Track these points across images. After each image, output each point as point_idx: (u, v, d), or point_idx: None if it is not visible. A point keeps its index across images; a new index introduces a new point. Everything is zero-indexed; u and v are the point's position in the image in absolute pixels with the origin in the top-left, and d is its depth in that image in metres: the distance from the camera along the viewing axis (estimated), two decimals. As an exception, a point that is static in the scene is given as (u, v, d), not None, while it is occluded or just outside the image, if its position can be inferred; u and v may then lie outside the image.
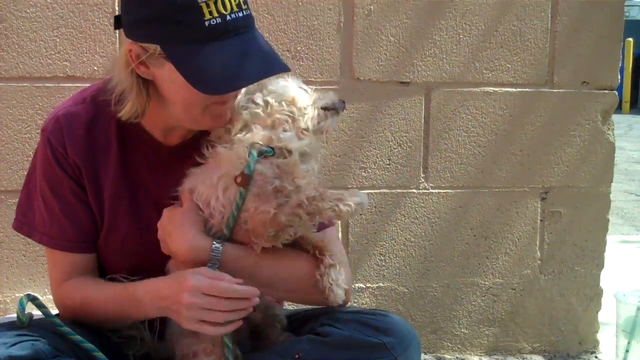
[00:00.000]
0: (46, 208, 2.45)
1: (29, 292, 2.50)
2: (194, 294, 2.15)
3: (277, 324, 2.49)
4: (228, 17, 2.14)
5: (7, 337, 2.16)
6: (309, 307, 2.52)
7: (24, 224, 2.54)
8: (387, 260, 3.57)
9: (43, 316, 2.32)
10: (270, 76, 2.26)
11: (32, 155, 3.03)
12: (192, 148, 2.40)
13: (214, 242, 2.24)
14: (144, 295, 2.29)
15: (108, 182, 2.46)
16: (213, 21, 2.11)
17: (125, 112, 2.34)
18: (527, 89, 3.56)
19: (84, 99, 2.48)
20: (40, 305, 2.32)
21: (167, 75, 2.22)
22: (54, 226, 2.44)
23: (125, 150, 2.48)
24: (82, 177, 2.43)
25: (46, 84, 3.21)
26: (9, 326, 2.29)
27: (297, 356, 2.28)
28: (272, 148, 2.19)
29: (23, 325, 2.26)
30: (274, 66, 2.24)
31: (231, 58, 2.16)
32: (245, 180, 2.15)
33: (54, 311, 2.44)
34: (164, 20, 2.13)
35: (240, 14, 2.19)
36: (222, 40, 2.15)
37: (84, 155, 2.42)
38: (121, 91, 2.32)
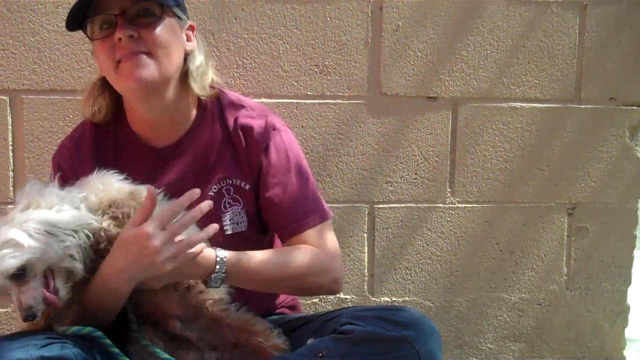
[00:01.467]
0: None
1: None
2: (156, 235, 2.25)
3: (267, 333, 2.54)
4: None
5: (38, 339, 2.22)
6: (326, 310, 2.54)
7: None
8: (413, 274, 3.57)
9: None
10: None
11: (62, 167, 3.10)
12: (182, 147, 2.64)
13: (217, 251, 2.41)
14: (110, 281, 2.34)
15: None
16: None
17: (81, 111, 2.74)
18: (554, 105, 3.56)
19: (84, 126, 2.75)
20: (58, 328, 2.37)
21: (94, 52, 2.61)
22: None
23: (121, 161, 2.65)
24: None
25: (77, 97, 3.20)
26: (43, 332, 2.34)
27: (320, 355, 2.33)
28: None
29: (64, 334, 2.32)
30: None
31: None
32: None
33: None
34: None
35: None
36: None
37: (91, 169, 2.54)
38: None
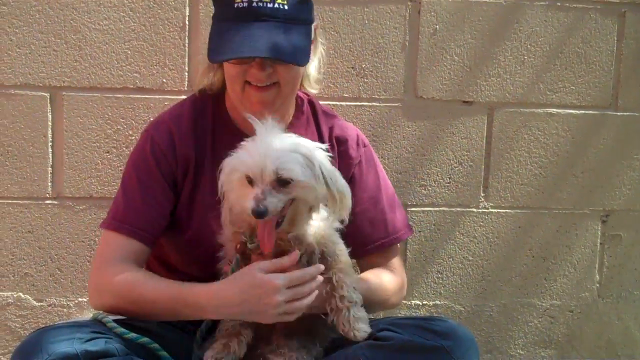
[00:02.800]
0: (125, 196, 2.62)
1: (97, 312, 2.54)
2: (283, 292, 2.28)
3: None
4: (254, 4, 2.43)
5: (83, 332, 2.27)
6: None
7: (104, 221, 2.67)
8: (445, 278, 3.57)
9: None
10: (253, 57, 2.47)
11: (100, 163, 3.17)
12: None
13: None
14: (203, 300, 2.38)
15: (205, 174, 2.65)
16: (240, 5, 2.44)
17: (197, 81, 2.80)
18: (590, 112, 3.55)
19: (183, 103, 2.79)
20: (108, 322, 2.41)
21: None
22: (126, 211, 2.59)
23: (218, 142, 2.69)
24: (185, 171, 2.65)
25: (116, 95, 3.28)
26: (83, 324, 2.40)
27: None
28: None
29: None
30: (278, 53, 2.45)
31: (242, 35, 2.45)
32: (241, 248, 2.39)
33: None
34: (215, 1, 2.58)
35: (270, 5, 2.45)
36: (247, 23, 2.44)
37: (191, 148, 2.66)
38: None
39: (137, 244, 2.58)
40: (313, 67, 2.77)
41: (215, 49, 2.49)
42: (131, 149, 2.88)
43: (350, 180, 2.73)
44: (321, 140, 2.75)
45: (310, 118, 2.83)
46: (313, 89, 2.84)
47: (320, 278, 2.35)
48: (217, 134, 2.70)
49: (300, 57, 2.54)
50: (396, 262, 2.85)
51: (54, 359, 2.15)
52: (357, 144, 2.83)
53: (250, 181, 2.24)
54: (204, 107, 2.74)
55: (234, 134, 2.66)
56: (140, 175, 2.62)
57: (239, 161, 2.27)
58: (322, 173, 2.29)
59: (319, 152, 2.34)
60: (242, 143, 2.31)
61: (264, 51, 2.43)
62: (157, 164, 2.61)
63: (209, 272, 2.56)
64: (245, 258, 2.39)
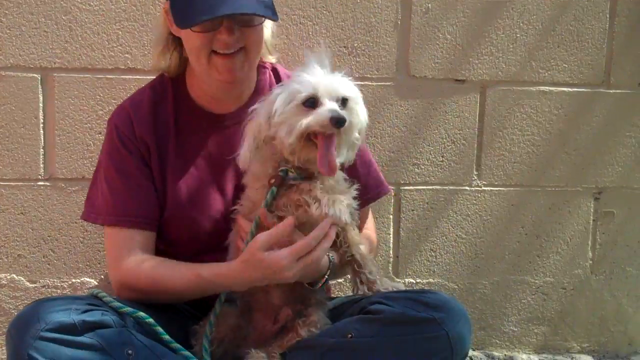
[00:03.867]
0: (110, 190, 2.62)
1: (93, 288, 2.58)
2: (291, 267, 2.34)
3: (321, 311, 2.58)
4: None
5: (79, 304, 2.31)
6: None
7: (90, 212, 2.71)
8: (438, 256, 3.58)
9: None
10: (227, 14, 2.41)
11: (92, 144, 3.16)
12: (241, 116, 2.59)
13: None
14: (232, 284, 2.45)
15: (170, 156, 2.65)
16: None
17: (152, 63, 2.73)
18: (583, 89, 3.55)
19: (144, 90, 2.75)
20: (104, 297, 2.42)
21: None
22: (117, 205, 2.60)
23: (181, 124, 2.69)
24: (149, 156, 2.63)
25: (107, 76, 3.27)
26: (80, 297, 2.49)
27: (349, 336, 2.36)
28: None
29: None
30: (253, 8, 2.43)
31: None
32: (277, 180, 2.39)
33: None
34: None
35: None
36: None
37: (151, 133, 2.64)
38: (155, 45, 2.70)
39: (141, 233, 2.61)
40: (268, 32, 2.75)
41: (188, 14, 2.44)
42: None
43: None
44: None
45: (273, 84, 2.78)
46: (272, 56, 2.85)
47: (331, 234, 2.40)
48: (180, 117, 2.70)
49: (274, 12, 2.55)
50: (371, 216, 2.99)
51: (51, 327, 2.18)
52: None
53: (314, 103, 2.26)
54: (164, 91, 2.73)
55: (198, 115, 2.69)
56: (117, 165, 2.63)
57: (299, 87, 2.29)
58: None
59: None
60: (296, 76, 2.36)
61: (249, 7, 2.43)
62: (128, 151, 2.63)
63: (194, 248, 2.65)
64: (284, 188, 2.42)
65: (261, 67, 2.78)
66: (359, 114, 2.42)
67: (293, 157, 2.36)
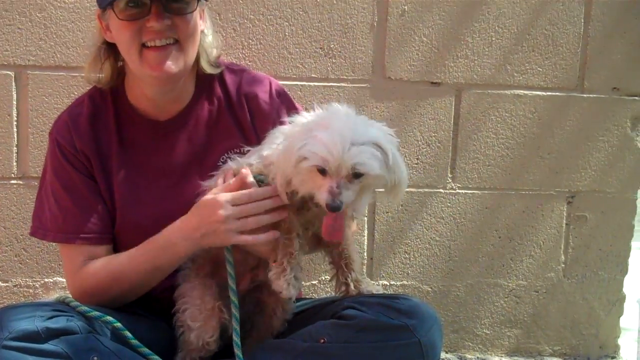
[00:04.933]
0: (59, 206, 2.59)
1: (59, 295, 2.55)
2: (225, 207, 2.32)
3: (283, 309, 2.61)
4: None
5: (44, 310, 2.27)
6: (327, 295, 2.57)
7: (39, 228, 2.66)
8: (412, 259, 3.59)
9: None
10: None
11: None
12: (183, 120, 2.65)
13: None
14: (173, 236, 2.43)
15: (114, 169, 2.62)
16: None
17: (85, 74, 2.66)
18: (557, 93, 3.57)
19: (82, 100, 2.70)
20: (71, 301, 2.41)
21: (112, 25, 2.48)
22: (67, 222, 2.58)
23: (124, 135, 2.65)
24: (92, 169, 2.60)
25: (82, 74, 3.21)
26: (45, 303, 2.42)
27: (322, 341, 2.34)
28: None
29: None
30: None
31: None
32: None
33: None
34: None
35: None
36: None
37: (91, 147, 2.60)
38: (88, 56, 2.64)
39: (94, 248, 2.60)
40: (208, 40, 2.68)
41: None
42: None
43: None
44: (228, 100, 2.73)
45: (213, 81, 2.74)
46: (213, 68, 2.71)
47: (267, 202, 2.36)
48: (123, 128, 2.65)
49: None
50: None
51: (14, 336, 2.15)
52: (270, 96, 2.75)
53: (323, 171, 2.19)
54: (103, 103, 2.66)
55: (140, 124, 2.65)
56: (63, 181, 2.59)
57: (312, 152, 2.18)
58: (394, 162, 2.27)
59: (390, 139, 2.29)
60: (313, 133, 2.19)
61: None
62: (72, 165, 2.59)
63: None
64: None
65: (202, 73, 2.71)
66: (379, 177, 2.25)
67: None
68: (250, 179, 2.36)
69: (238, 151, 2.64)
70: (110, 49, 2.59)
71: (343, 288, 2.51)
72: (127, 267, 2.50)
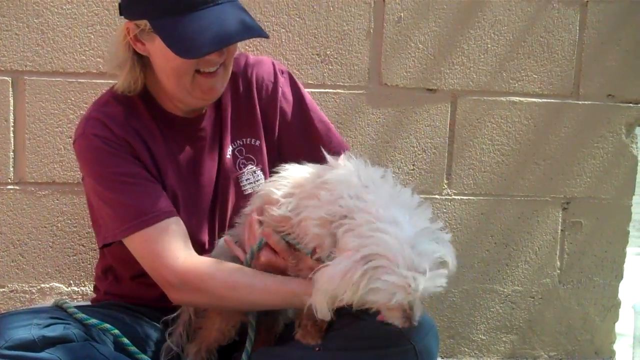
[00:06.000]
0: (118, 196, 2.47)
1: (58, 298, 2.55)
2: None
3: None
4: None
5: (41, 318, 2.25)
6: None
7: (108, 232, 2.53)
8: (408, 265, 3.59)
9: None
10: (239, 41, 2.45)
11: (62, 148, 3.14)
12: (207, 115, 2.67)
13: None
14: (306, 292, 2.30)
15: (163, 164, 2.59)
16: None
17: (119, 84, 2.57)
18: (552, 100, 3.58)
19: (106, 101, 2.63)
20: (68, 307, 2.41)
21: (158, 48, 2.41)
22: (138, 206, 2.45)
23: (165, 132, 2.62)
24: (137, 154, 2.52)
25: (79, 80, 3.25)
26: (42, 310, 2.39)
27: (316, 349, 2.33)
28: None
29: None
30: (249, 31, 2.40)
31: (208, 24, 2.33)
32: None
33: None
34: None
35: None
36: (200, 10, 2.34)
37: (133, 135, 2.53)
38: (117, 65, 2.55)
39: (173, 221, 2.47)
40: None
41: (188, 43, 2.33)
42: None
43: (298, 116, 2.77)
44: (236, 89, 2.74)
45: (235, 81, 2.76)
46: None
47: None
48: (162, 126, 2.61)
49: (262, 28, 2.51)
50: None
51: (10, 345, 2.14)
52: (275, 78, 2.78)
53: None
54: (135, 107, 2.59)
55: (179, 125, 2.63)
56: (116, 169, 2.48)
57: (386, 291, 1.99)
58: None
59: (449, 245, 2.16)
60: (369, 262, 2.01)
61: (251, 30, 2.41)
62: (120, 151, 2.48)
63: None
64: None
65: None
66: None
67: None
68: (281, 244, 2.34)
69: (242, 143, 2.71)
70: (139, 59, 2.55)
71: None
72: (255, 293, 2.38)
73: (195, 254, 2.44)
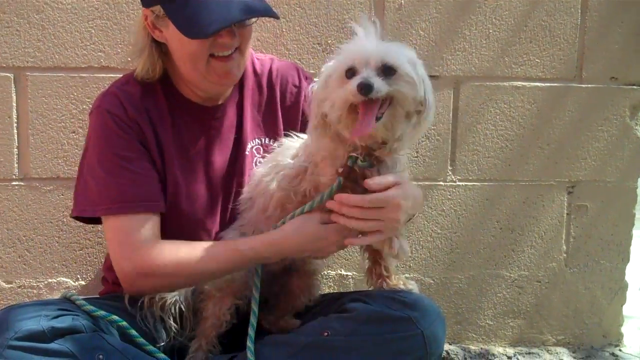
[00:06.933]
0: (111, 177, 2.53)
1: (66, 291, 2.57)
2: (337, 243, 2.46)
3: (309, 293, 2.72)
4: None
5: (49, 310, 2.29)
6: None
7: (86, 205, 2.61)
8: (414, 252, 3.60)
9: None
10: (247, 19, 2.47)
11: (66, 144, 3.13)
12: (227, 108, 2.73)
13: None
14: (265, 251, 2.48)
15: (168, 149, 2.62)
16: None
17: (138, 70, 2.63)
18: (555, 84, 3.57)
19: (127, 80, 2.69)
20: (76, 299, 2.42)
21: (173, 33, 2.47)
22: (124, 191, 2.52)
23: (176, 117, 2.67)
24: (146, 140, 2.58)
25: (81, 74, 3.26)
26: (50, 302, 2.43)
27: (325, 334, 2.36)
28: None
29: None
30: (253, 11, 2.45)
31: (217, 6, 2.38)
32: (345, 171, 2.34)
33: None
34: None
35: None
36: None
37: (146, 122, 2.59)
38: (137, 51, 2.62)
39: (150, 218, 2.55)
40: None
41: (198, 23, 2.39)
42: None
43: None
44: (260, 90, 2.82)
45: (249, 71, 2.83)
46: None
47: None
48: (176, 115, 2.68)
49: (273, 9, 2.55)
50: None
51: (20, 336, 2.17)
52: (300, 81, 2.90)
53: (353, 73, 2.20)
54: (153, 89, 2.67)
55: (194, 112, 2.68)
56: (117, 150, 2.54)
57: (339, 58, 2.25)
58: (422, 76, 2.29)
59: (416, 58, 2.32)
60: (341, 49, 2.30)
61: (255, 11, 2.45)
62: (126, 133, 2.55)
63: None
64: (349, 179, 2.38)
65: None
66: (411, 82, 2.25)
67: (348, 132, 2.25)
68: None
69: (260, 142, 2.78)
70: (157, 46, 2.62)
71: (373, 282, 2.54)
72: (198, 261, 2.49)
73: (155, 245, 2.52)
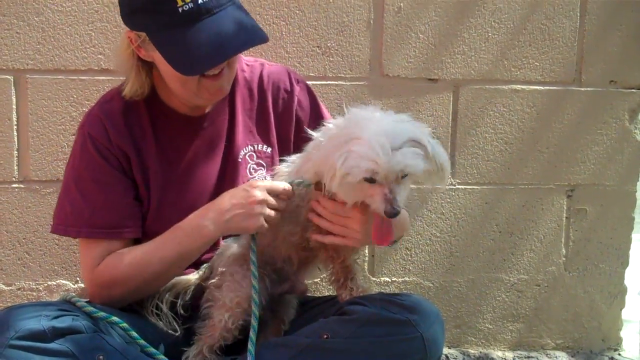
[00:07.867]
0: (85, 200, 2.58)
1: (65, 293, 2.58)
2: (262, 191, 2.42)
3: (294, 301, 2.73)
4: (199, 1, 2.33)
5: (50, 310, 2.29)
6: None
7: (59, 225, 2.65)
8: (413, 255, 3.60)
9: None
10: (244, 51, 2.48)
11: (65, 146, 3.14)
12: (218, 113, 2.70)
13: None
14: (200, 219, 2.48)
15: (152, 166, 2.62)
16: (186, 7, 2.32)
17: (127, 90, 2.60)
18: (554, 87, 3.57)
19: (112, 96, 2.68)
20: (77, 301, 2.42)
21: (161, 57, 2.42)
22: (96, 216, 2.56)
23: (159, 131, 2.65)
24: (128, 164, 2.59)
25: (81, 77, 3.27)
26: (51, 303, 2.47)
27: (325, 336, 2.36)
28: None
29: None
30: (249, 41, 2.44)
31: (207, 37, 2.34)
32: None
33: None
34: (145, 10, 2.36)
35: None
36: (198, 23, 2.34)
37: (127, 141, 2.59)
38: (124, 72, 2.60)
39: (118, 243, 2.59)
40: None
41: (188, 60, 2.36)
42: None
43: (314, 123, 2.75)
44: (251, 97, 2.80)
45: (239, 80, 2.81)
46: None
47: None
48: (158, 124, 2.66)
49: (262, 31, 2.53)
50: None
51: (21, 335, 2.17)
52: (291, 85, 2.86)
53: (371, 180, 2.23)
54: (136, 104, 2.64)
55: (175, 119, 2.67)
56: (94, 175, 2.58)
57: (356, 167, 2.21)
58: (432, 153, 2.31)
59: (424, 131, 2.36)
60: (349, 147, 2.23)
61: (248, 41, 2.43)
62: (105, 159, 2.58)
63: None
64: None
65: None
66: (425, 164, 2.29)
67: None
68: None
69: (253, 149, 2.76)
70: (145, 64, 2.58)
71: (344, 295, 2.55)
72: (151, 255, 2.51)
73: (112, 257, 2.57)
